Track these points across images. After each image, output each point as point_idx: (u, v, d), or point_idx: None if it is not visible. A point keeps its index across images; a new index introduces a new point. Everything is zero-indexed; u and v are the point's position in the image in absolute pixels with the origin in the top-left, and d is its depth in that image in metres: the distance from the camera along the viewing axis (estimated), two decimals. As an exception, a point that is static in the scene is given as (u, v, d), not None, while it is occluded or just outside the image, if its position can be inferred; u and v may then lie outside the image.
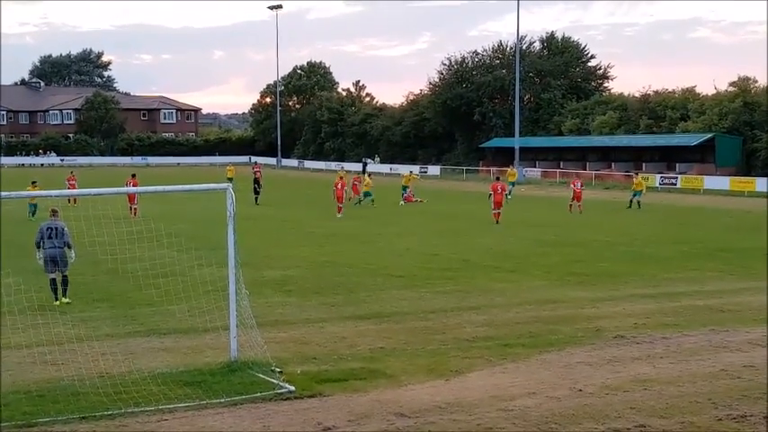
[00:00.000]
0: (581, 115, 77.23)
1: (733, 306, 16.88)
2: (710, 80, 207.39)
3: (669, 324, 15.18)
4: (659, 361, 12.67)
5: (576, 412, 10.27)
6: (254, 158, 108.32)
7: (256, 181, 46.25)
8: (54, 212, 16.84)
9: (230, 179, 51.94)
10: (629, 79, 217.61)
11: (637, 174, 48.85)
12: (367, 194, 42.56)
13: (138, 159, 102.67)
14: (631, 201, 42.14)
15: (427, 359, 12.84)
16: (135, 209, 35.01)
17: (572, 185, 42.01)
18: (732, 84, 66.01)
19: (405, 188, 46.71)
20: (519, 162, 68.22)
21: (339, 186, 37.64)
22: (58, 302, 16.49)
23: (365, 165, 76.79)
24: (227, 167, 62.13)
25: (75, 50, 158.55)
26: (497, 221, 33.61)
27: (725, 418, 10.02)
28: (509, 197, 46.61)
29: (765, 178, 52.91)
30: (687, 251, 25.36)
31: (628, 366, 12.35)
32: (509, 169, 56.33)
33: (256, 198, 44.92)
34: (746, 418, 10.03)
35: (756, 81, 66.53)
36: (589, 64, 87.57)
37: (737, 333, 14.43)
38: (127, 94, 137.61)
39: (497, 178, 39.98)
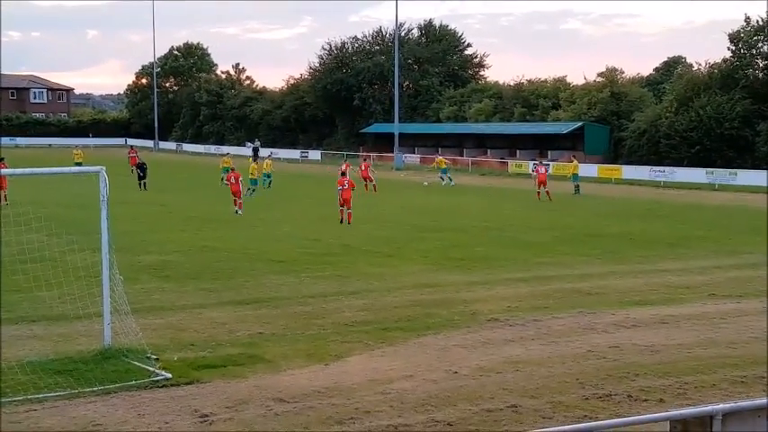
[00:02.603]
0: (458, 103, 78.61)
1: (600, 289, 17.67)
2: (580, 70, 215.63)
3: (540, 307, 15.75)
4: (530, 343, 13.14)
5: (452, 394, 10.54)
6: (129, 141, 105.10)
7: (139, 166, 43.33)
8: None
9: (78, 164, 48.91)
10: (504, 68, 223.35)
11: (573, 157, 48.18)
12: (253, 182, 39.31)
13: (6, 140, 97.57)
14: (577, 186, 42.92)
15: (306, 344, 12.88)
16: (4, 195, 32.20)
17: (534, 172, 40.77)
18: (600, 74, 68.66)
19: (445, 170, 49.18)
20: (398, 148, 68.86)
21: (233, 180, 32.29)
22: None
23: (256, 150, 72.36)
24: (74, 151, 58.06)
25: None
26: (345, 221, 28.62)
27: (591, 397, 10.51)
28: (451, 184, 47.80)
29: (632, 166, 55.40)
30: (558, 236, 26.31)
31: (501, 348, 12.76)
32: (438, 157, 53.76)
33: (141, 183, 42.07)
34: (611, 396, 10.54)
35: (623, 72, 69.49)
36: (466, 52, 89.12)
37: (604, 315, 15.12)
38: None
39: (343, 173, 31.49)
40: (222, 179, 43.02)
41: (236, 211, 31.41)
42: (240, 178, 32.51)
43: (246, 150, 79.98)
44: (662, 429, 7.14)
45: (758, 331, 13.77)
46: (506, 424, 9.42)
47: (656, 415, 7.67)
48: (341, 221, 28.68)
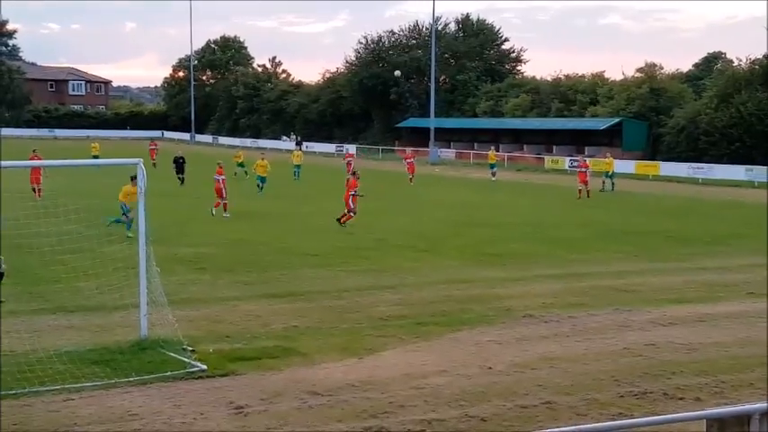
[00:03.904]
0: (495, 97, 78.22)
1: (636, 286, 17.48)
2: (619, 65, 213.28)
3: (575, 304, 15.63)
4: (565, 339, 13.05)
5: (486, 390, 10.50)
6: (166, 134, 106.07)
7: (176, 161, 41.14)
8: None
9: (95, 156, 48.83)
10: (541, 63, 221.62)
11: (607, 154, 46.78)
12: (261, 179, 37.49)
13: (44, 132, 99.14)
14: (604, 182, 41.71)
15: (341, 338, 12.91)
16: (39, 189, 30.55)
17: (579, 167, 39.93)
18: (639, 69, 67.90)
19: (493, 165, 50.15)
20: (434, 143, 68.72)
21: (220, 180, 29.30)
22: None
23: (300, 143, 69.85)
24: (92, 144, 57.72)
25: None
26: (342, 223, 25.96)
27: (626, 395, 10.41)
28: (493, 179, 48.37)
29: (670, 162, 54.71)
30: (594, 233, 26.08)
31: (536, 345, 12.68)
32: (491, 152, 54.02)
33: (180, 179, 40.43)
34: (647, 394, 10.43)
35: (662, 68, 68.70)
36: (503, 47, 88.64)
37: (640, 313, 14.96)
38: (33, 65, 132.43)
39: (354, 173, 29.33)
40: (235, 173, 43.73)
41: (212, 212, 28.54)
42: (223, 178, 29.33)
43: (284, 144, 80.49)
44: (698, 429, 7.05)
45: (798, 331, 13.53)
46: (541, 420, 9.37)
47: (693, 413, 7.58)
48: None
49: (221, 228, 25.54)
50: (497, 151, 56.04)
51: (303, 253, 20.95)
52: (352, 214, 26.15)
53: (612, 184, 42.38)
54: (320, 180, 44.98)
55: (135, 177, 22.74)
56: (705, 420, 6.84)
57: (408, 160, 46.75)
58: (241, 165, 46.22)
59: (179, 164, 41.51)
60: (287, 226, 26.49)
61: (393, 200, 35.24)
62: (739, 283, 17.89)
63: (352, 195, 26.25)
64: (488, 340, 12.93)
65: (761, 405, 6.96)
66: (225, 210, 28.72)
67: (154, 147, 55.11)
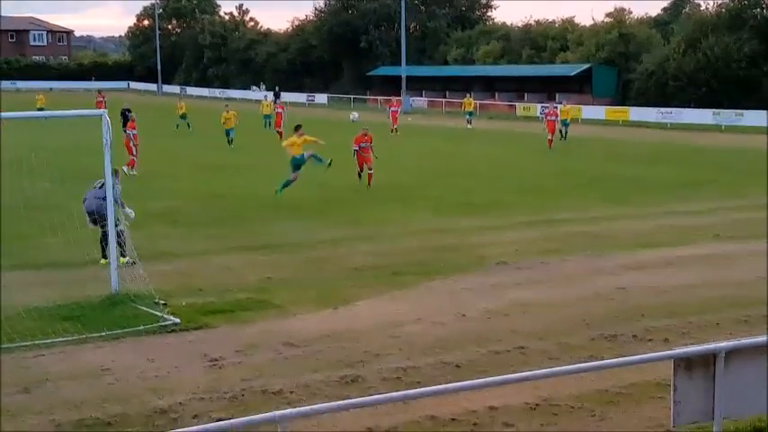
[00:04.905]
0: (466, 45, 77.74)
1: (607, 232, 17.63)
2: (588, 11, 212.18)
3: (548, 250, 15.73)
4: (538, 286, 13.15)
5: (460, 337, 10.57)
6: (132, 84, 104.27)
7: (123, 113, 36.68)
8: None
9: (41, 109, 46.60)
10: (512, 9, 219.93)
11: (563, 102, 44.52)
12: (230, 132, 36.05)
13: (6, 84, 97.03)
14: (561, 131, 38.97)
15: (315, 289, 12.90)
16: None
17: (547, 116, 37.91)
18: (608, 14, 67.73)
19: (471, 113, 49.93)
20: (406, 92, 68.29)
21: (131, 135, 27.19)
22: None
23: (277, 94, 66.90)
24: (36, 96, 55.32)
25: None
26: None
27: (597, 338, 10.54)
28: (468, 127, 47.90)
29: (639, 108, 54.92)
30: (567, 180, 26.18)
31: (509, 291, 12.76)
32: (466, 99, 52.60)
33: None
34: (617, 337, 10.57)
35: (631, 12, 68.66)
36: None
37: (611, 258, 15.10)
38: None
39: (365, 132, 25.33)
40: (177, 126, 42.94)
41: (125, 170, 24.76)
42: (134, 133, 27.31)
43: (254, 94, 79.43)
44: (666, 368, 7.16)
45: (763, 271, 13.73)
46: (513, 365, 9.46)
47: (661, 353, 7.71)
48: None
49: (191, 181, 25.31)
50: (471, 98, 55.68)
51: (276, 205, 20.83)
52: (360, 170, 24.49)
53: (566, 132, 39.72)
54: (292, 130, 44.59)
55: (299, 127, 22.15)
56: (673, 360, 6.96)
57: (393, 109, 46.18)
58: (183, 117, 45.17)
59: (125, 117, 40.05)
60: (259, 178, 26.27)
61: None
62: (707, 227, 18.09)
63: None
64: (462, 288, 13.00)
65: (726, 344, 7.09)
66: (132, 167, 26.21)
67: (101, 99, 53.52)
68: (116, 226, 12.78)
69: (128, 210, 14.27)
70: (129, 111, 37.28)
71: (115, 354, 9.91)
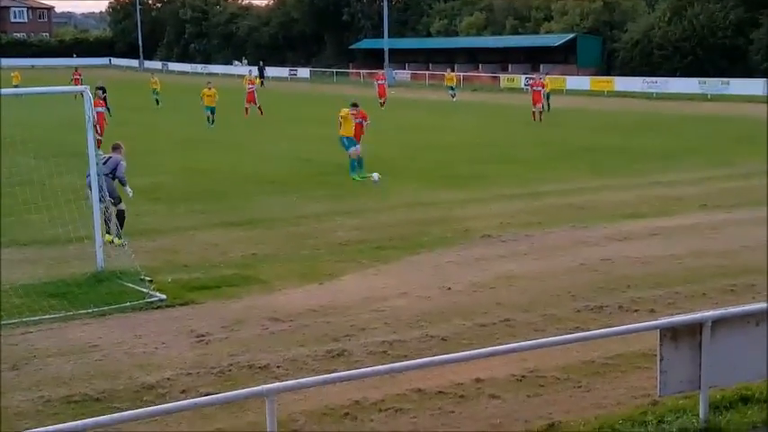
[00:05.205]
0: (449, 16, 77.33)
1: (592, 203, 17.68)
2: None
3: (533, 222, 15.77)
4: (523, 258, 13.20)
5: (446, 310, 10.61)
6: (114, 60, 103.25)
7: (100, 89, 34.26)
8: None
9: (16, 86, 46.83)
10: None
11: (546, 74, 45.12)
12: (210, 109, 34.78)
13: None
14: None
15: (300, 264, 12.90)
16: None
17: (533, 86, 37.18)
18: (593, -17, 67.35)
19: (452, 87, 50.05)
20: (389, 64, 67.95)
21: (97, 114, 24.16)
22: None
23: (262, 70, 66.16)
24: (12, 73, 55.21)
25: None
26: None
27: (583, 309, 10.60)
28: (453, 100, 47.96)
29: (624, 78, 54.90)
30: (551, 151, 26.20)
31: (494, 264, 12.80)
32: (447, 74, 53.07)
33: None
34: (602, 308, 10.63)
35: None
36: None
37: (596, 229, 15.16)
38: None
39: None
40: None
41: None
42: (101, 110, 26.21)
43: (236, 69, 78.82)
44: (652, 338, 7.21)
45: (748, 240, 13.85)
46: (499, 337, 9.51)
47: (647, 324, 7.75)
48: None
49: (175, 157, 25.17)
50: (453, 71, 55.47)
51: (260, 180, 20.77)
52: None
53: (548, 104, 39.15)
54: (275, 106, 44.33)
55: (355, 105, 21.22)
56: (659, 330, 7.00)
57: (380, 81, 45.91)
58: (156, 92, 44.84)
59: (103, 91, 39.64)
60: (242, 154, 26.20)
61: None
62: (693, 196, 18.19)
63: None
64: (447, 261, 13.03)
65: (712, 313, 7.14)
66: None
67: (78, 76, 53.00)
68: (119, 203, 13.29)
69: (127, 189, 14.33)
70: (104, 89, 36.33)
71: (102, 330, 9.90)
